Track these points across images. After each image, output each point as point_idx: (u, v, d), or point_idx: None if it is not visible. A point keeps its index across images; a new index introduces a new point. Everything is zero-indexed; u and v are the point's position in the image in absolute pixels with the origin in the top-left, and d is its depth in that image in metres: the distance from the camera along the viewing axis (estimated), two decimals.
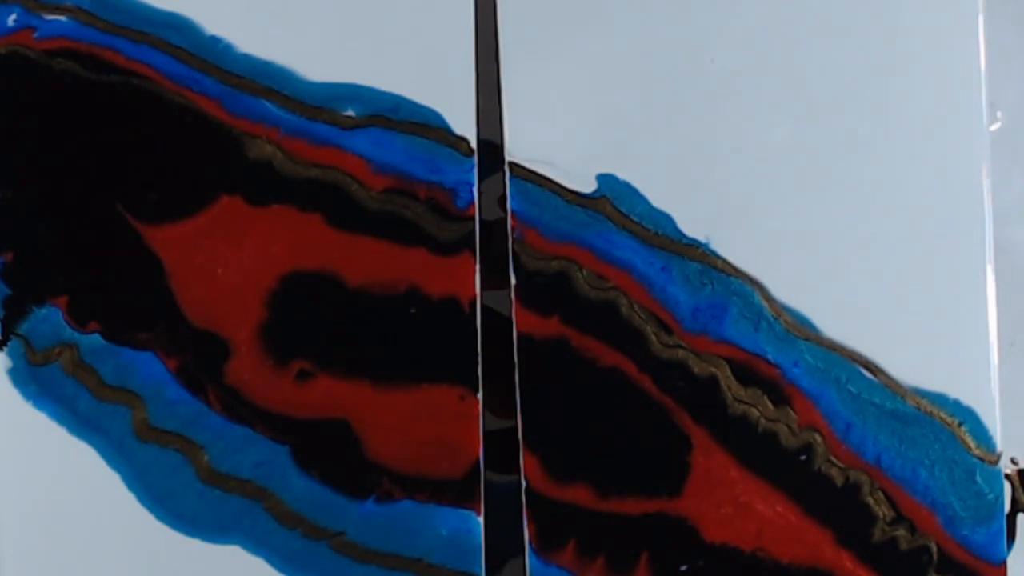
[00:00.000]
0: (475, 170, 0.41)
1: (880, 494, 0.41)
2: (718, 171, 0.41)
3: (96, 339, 0.40)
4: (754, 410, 0.41)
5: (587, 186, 0.41)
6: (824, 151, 0.41)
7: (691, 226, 0.41)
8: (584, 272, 0.41)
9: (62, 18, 0.41)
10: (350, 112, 0.41)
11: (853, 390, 0.41)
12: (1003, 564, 0.41)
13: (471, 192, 0.41)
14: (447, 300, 0.41)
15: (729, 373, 0.41)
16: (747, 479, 0.41)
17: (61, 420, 0.40)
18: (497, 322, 0.41)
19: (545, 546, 0.41)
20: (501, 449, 0.41)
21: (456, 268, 0.41)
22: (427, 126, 0.41)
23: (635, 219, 0.41)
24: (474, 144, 0.41)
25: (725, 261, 0.41)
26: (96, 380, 0.40)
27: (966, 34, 0.42)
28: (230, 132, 0.41)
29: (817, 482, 0.41)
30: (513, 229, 0.41)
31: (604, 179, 0.41)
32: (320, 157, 0.41)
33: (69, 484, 0.40)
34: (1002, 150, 0.48)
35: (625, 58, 0.41)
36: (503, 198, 0.41)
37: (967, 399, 0.41)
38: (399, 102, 0.41)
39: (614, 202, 0.41)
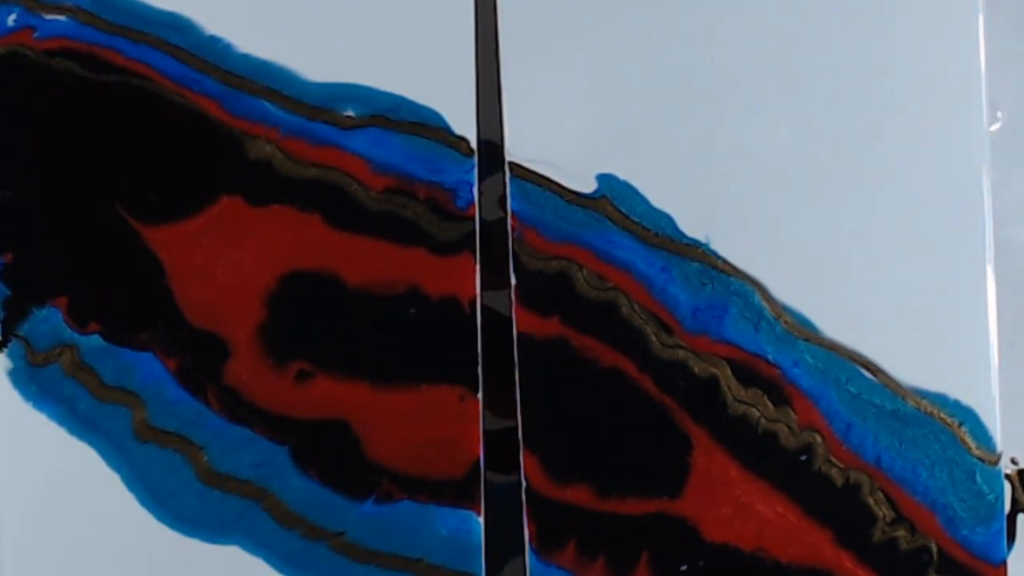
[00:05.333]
0: (475, 170, 0.41)
1: (880, 494, 0.41)
2: (718, 171, 0.41)
3: (96, 340, 0.40)
4: (754, 410, 0.41)
5: (587, 186, 0.41)
6: (824, 151, 0.41)
7: (691, 226, 0.41)
8: (584, 272, 0.41)
9: (62, 18, 0.41)
10: (350, 112, 0.41)
11: (853, 390, 0.41)
12: (1003, 564, 0.42)
13: (471, 192, 0.41)
14: (447, 300, 0.41)
15: (729, 373, 0.41)
16: (747, 479, 0.41)
17: (61, 421, 0.40)
18: (497, 322, 0.41)
19: (545, 546, 0.41)
20: (501, 449, 0.41)
21: (456, 268, 0.41)
22: (427, 126, 0.41)
23: (635, 219, 0.41)
24: (474, 144, 0.41)
25: (725, 261, 0.41)
26: (96, 381, 0.40)
27: (966, 34, 0.42)
28: (230, 132, 0.41)
29: (817, 482, 0.41)
30: (513, 229, 0.41)
31: (604, 179, 0.41)
32: (320, 157, 0.41)
33: (69, 484, 0.40)
34: (1002, 150, 0.48)
35: (625, 58, 0.41)
36: (503, 198, 0.41)
37: (967, 399, 0.41)
38: (399, 102, 0.41)
39: (614, 202, 0.41)
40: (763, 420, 0.41)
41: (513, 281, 0.41)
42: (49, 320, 0.40)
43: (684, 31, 0.41)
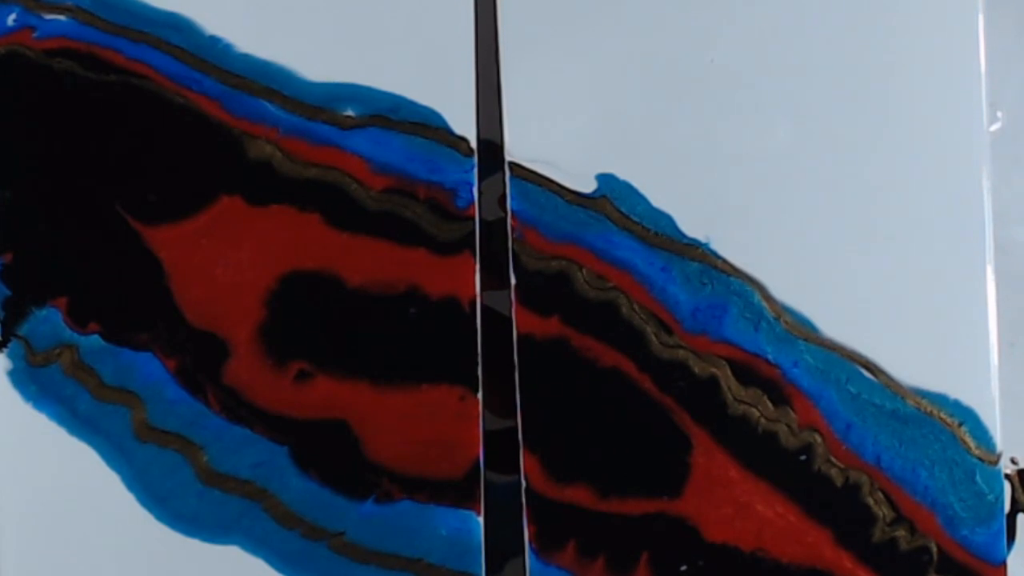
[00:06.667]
0: (475, 170, 0.41)
1: (880, 494, 0.41)
2: (718, 171, 0.41)
3: (96, 340, 0.40)
4: (754, 410, 0.41)
5: (587, 186, 0.41)
6: (824, 151, 0.41)
7: (691, 226, 0.41)
8: (584, 272, 0.41)
9: (62, 17, 0.41)
10: (350, 112, 0.41)
11: (853, 390, 0.41)
12: (1003, 564, 0.42)
13: (471, 192, 0.41)
14: (447, 300, 0.41)
15: (729, 373, 0.41)
16: (747, 479, 0.41)
17: (61, 421, 0.40)
18: (497, 322, 0.41)
19: (545, 546, 0.41)
20: (501, 449, 0.41)
21: (456, 268, 0.41)
22: (427, 126, 0.41)
23: (635, 219, 0.41)
24: (474, 144, 0.41)
25: (725, 261, 0.41)
26: (96, 381, 0.40)
27: (966, 34, 0.42)
28: (230, 132, 0.40)
29: (817, 482, 0.41)
30: (513, 229, 0.41)
31: (604, 179, 0.41)
32: (320, 157, 0.41)
33: (69, 484, 0.40)
34: (1002, 150, 0.48)
35: (625, 58, 0.41)
36: (503, 198, 0.41)
37: (967, 399, 0.41)
38: (399, 102, 0.41)
39: (614, 202, 0.41)
40: (763, 420, 0.41)
41: (513, 281, 0.41)
42: (49, 320, 0.40)
43: (684, 31, 0.41)
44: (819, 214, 0.41)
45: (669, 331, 0.41)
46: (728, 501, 0.41)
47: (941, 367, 0.41)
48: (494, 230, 0.41)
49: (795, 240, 0.41)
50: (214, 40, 0.41)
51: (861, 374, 0.41)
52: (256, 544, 0.40)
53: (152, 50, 0.41)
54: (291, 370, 0.40)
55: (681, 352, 0.41)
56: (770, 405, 0.41)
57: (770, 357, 0.41)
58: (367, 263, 0.41)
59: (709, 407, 0.41)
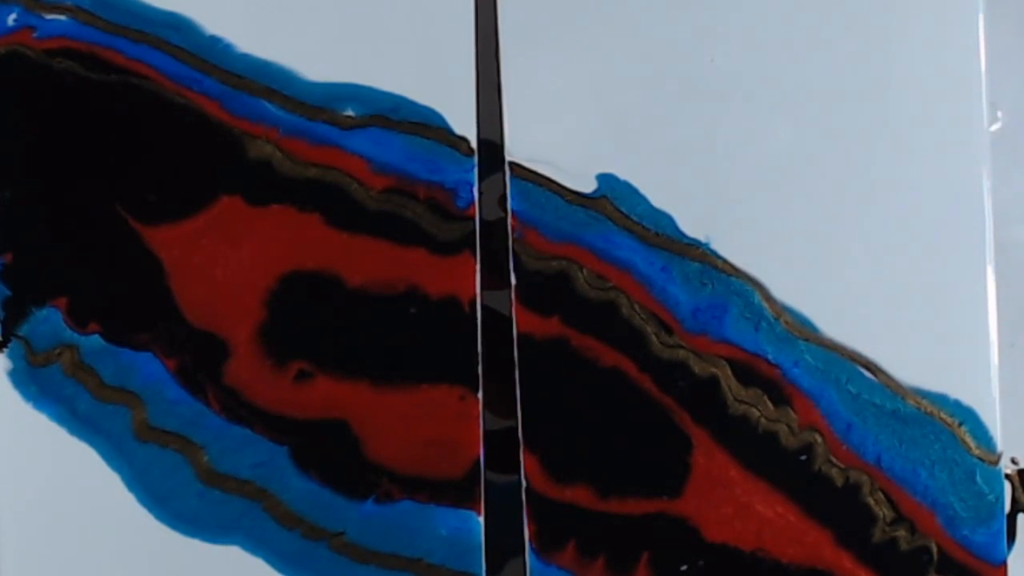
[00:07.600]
0: (475, 170, 0.41)
1: (880, 494, 0.41)
2: (718, 171, 0.41)
3: (96, 340, 0.40)
4: (754, 410, 0.41)
5: (587, 186, 0.41)
6: (824, 151, 0.41)
7: (691, 226, 0.41)
8: (584, 272, 0.41)
9: (62, 17, 0.41)
10: (350, 112, 0.41)
11: (853, 390, 0.41)
12: (1003, 564, 0.42)
13: (471, 192, 0.41)
14: (447, 300, 0.41)
15: (729, 373, 0.41)
16: (747, 479, 0.41)
17: (61, 421, 0.40)
18: (497, 322, 0.41)
19: (545, 546, 0.41)
20: (501, 449, 0.41)
21: (456, 268, 0.41)
22: (427, 126, 0.41)
23: (635, 219, 0.41)
24: (474, 144, 0.41)
25: (725, 261, 0.41)
26: (96, 381, 0.40)
27: (966, 34, 0.42)
28: (230, 132, 0.40)
29: (817, 482, 0.41)
30: (513, 229, 0.41)
31: (604, 179, 0.41)
32: (320, 157, 0.41)
33: (69, 484, 0.40)
34: (1002, 150, 0.48)
35: (625, 58, 0.41)
36: (503, 198, 0.41)
37: (967, 399, 0.41)
38: (399, 102, 0.41)
39: (614, 202, 0.41)
40: (763, 420, 0.41)
41: (513, 281, 0.41)
42: (49, 320, 0.40)
43: (684, 31, 0.41)
44: (819, 214, 0.41)
45: (669, 331, 0.41)
46: (728, 501, 0.41)
47: (941, 367, 0.41)
48: (494, 230, 0.41)
49: (795, 240, 0.41)
50: (214, 40, 0.41)
51: (861, 374, 0.41)
52: (256, 544, 0.40)
53: (152, 50, 0.41)
54: (291, 370, 0.40)
55: (681, 352, 0.41)
56: (770, 405, 0.41)
57: (770, 357, 0.41)
58: (367, 263, 0.41)
59: (709, 407, 0.41)
